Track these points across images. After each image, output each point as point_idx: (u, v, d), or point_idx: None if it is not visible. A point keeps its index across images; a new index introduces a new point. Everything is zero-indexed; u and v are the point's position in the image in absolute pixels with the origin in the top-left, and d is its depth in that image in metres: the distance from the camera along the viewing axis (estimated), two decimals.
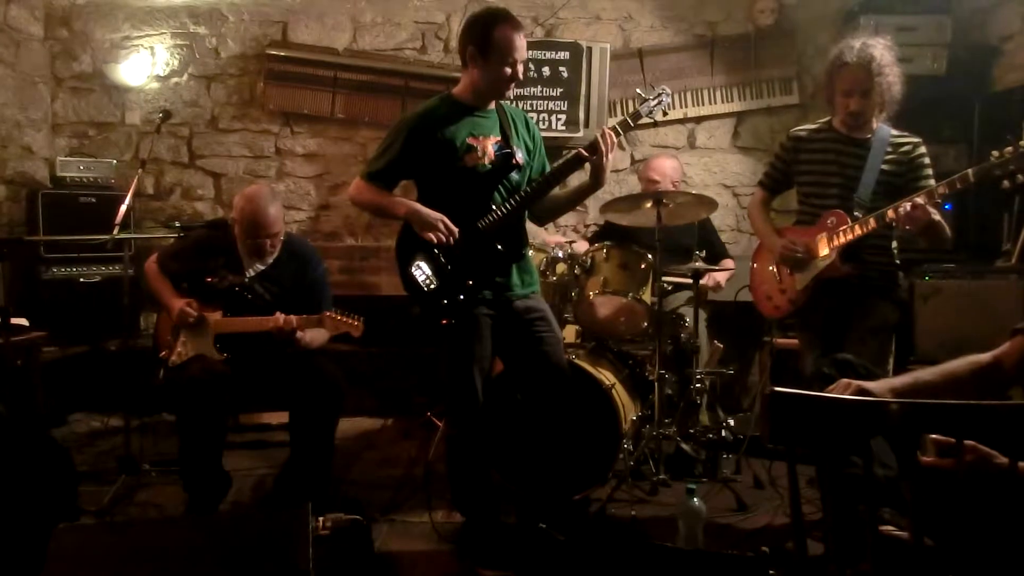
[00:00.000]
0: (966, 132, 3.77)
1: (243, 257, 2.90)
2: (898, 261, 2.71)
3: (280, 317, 2.75)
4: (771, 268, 2.82)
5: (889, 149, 2.60)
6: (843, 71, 2.55)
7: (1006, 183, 2.18)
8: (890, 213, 2.44)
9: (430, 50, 4.63)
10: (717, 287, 3.76)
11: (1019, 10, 3.91)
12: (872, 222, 2.49)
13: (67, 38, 4.56)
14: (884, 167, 2.59)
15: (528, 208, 2.50)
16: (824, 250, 2.61)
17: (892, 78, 2.53)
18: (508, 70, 2.37)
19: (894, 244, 2.71)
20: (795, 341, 3.45)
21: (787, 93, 4.60)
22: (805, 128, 2.80)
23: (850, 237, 2.54)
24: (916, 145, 2.62)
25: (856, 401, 1.27)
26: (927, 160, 2.62)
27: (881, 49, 2.51)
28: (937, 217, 2.43)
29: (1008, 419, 1.19)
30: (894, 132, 2.64)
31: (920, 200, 2.37)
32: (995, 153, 2.18)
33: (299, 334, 2.79)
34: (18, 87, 4.33)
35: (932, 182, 2.56)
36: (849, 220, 2.55)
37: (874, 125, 2.63)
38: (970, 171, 2.28)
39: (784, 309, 2.78)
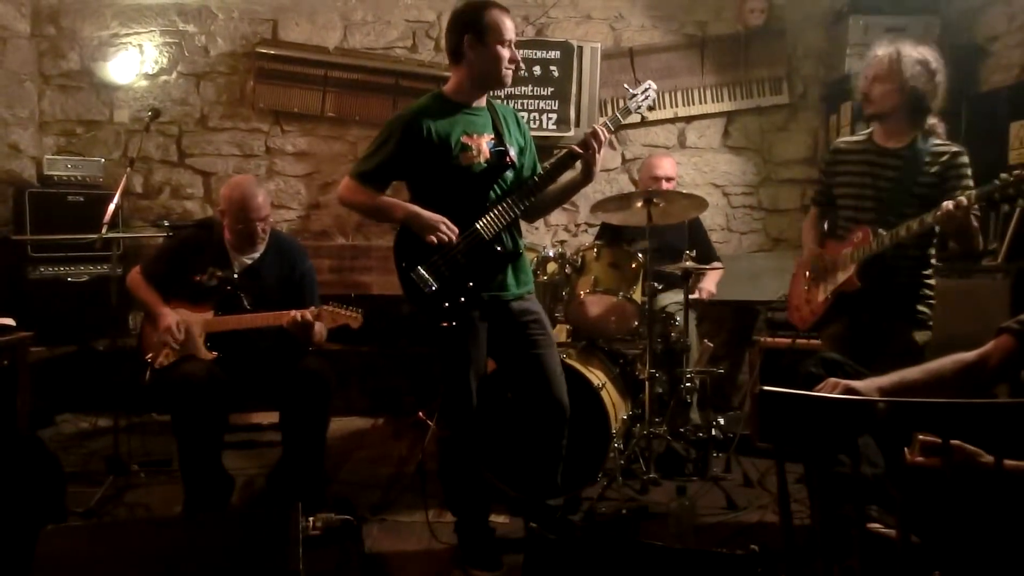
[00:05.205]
0: (954, 132, 3.77)
1: (230, 252, 2.90)
2: (932, 282, 2.62)
3: (296, 312, 2.72)
4: (804, 279, 2.81)
5: (927, 159, 2.52)
6: (871, 60, 2.56)
7: (1006, 206, 2.18)
8: (902, 231, 2.40)
9: (421, 49, 4.62)
10: (711, 296, 3.77)
11: (1006, 11, 3.94)
12: (887, 240, 2.44)
13: (54, 35, 4.52)
14: (921, 179, 2.52)
15: (524, 206, 2.49)
16: (846, 264, 2.59)
17: (917, 70, 2.46)
18: (506, 51, 2.36)
19: (933, 262, 2.62)
20: (784, 340, 3.49)
21: (777, 93, 4.62)
22: (846, 140, 2.79)
23: (868, 254, 2.50)
24: (956, 154, 2.51)
25: (844, 400, 1.27)
26: (967, 171, 2.50)
27: (911, 49, 2.50)
28: (975, 223, 2.37)
29: (993, 417, 1.20)
30: (936, 142, 2.55)
31: (963, 201, 2.25)
32: (1003, 176, 2.15)
33: (318, 326, 2.75)
34: (4, 85, 4.29)
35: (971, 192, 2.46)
36: (872, 236, 2.51)
37: (913, 134, 2.55)
38: (972, 193, 2.24)
39: (807, 320, 2.77)
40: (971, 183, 2.50)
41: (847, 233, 2.65)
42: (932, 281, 2.64)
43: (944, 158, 2.52)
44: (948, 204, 2.27)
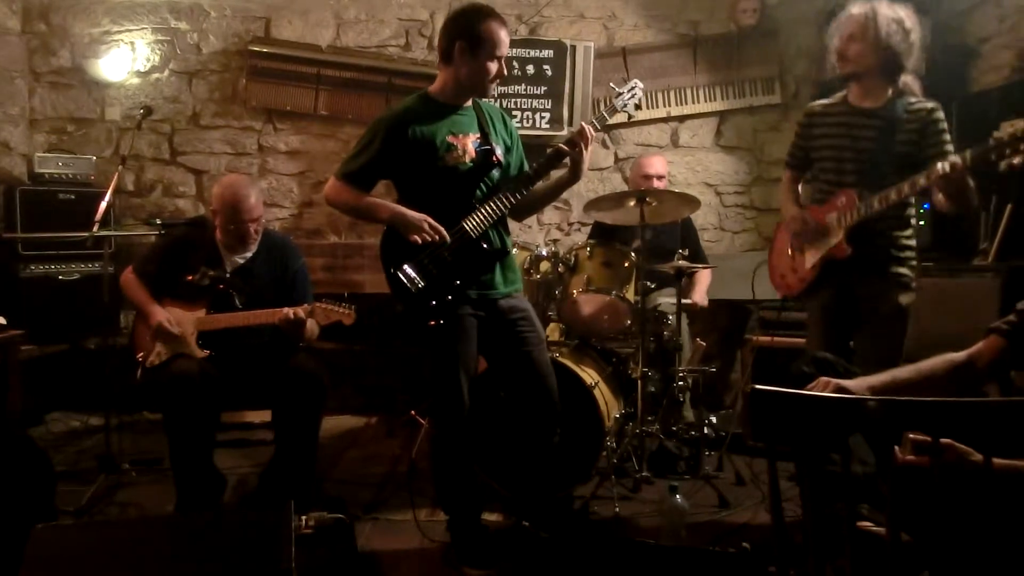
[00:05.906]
0: None
1: (222, 251, 2.89)
2: (912, 243, 2.60)
3: (288, 309, 2.72)
4: (787, 246, 2.78)
5: (905, 118, 2.51)
6: (845, 19, 2.55)
7: (1002, 164, 2.15)
8: (893, 195, 2.38)
9: (414, 47, 4.62)
10: (695, 305, 3.68)
11: (996, 12, 3.96)
12: (876, 204, 2.43)
13: (45, 32, 4.49)
14: (901, 138, 2.50)
15: (511, 205, 2.49)
16: (833, 229, 2.56)
17: (893, 28, 2.46)
18: (495, 66, 2.37)
19: (912, 222, 2.61)
20: (777, 339, 3.49)
21: (769, 92, 4.64)
22: (821, 103, 2.75)
23: (856, 219, 2.48)
24: (931, 110, 2.50)
25: (835, 399, 1.28)
26: (943, 125, 2.50)
27: (886, 8, 2.49)
28: (971, 182, 2.33)
29: (983, 416, 1.21)
30: (911, 100, 2.54)
31: (958, 162, 2.21)
32: (996, 135, 2.13)
33: (309, 323, 2.75)
34: None
35: (949, 147, 2.47)
36: (857, 200, 2.49)
37: (888, 94, 2.55)
38: (968, 153, 2.21)
39: (795, 288, 2.74)
40: (948, 138, 2.50)
41: (828, 196, 2.63)
42: (912, 242, 2.62)
43: (921, 115, 2.52)
44: (944, 166, 2.23)
